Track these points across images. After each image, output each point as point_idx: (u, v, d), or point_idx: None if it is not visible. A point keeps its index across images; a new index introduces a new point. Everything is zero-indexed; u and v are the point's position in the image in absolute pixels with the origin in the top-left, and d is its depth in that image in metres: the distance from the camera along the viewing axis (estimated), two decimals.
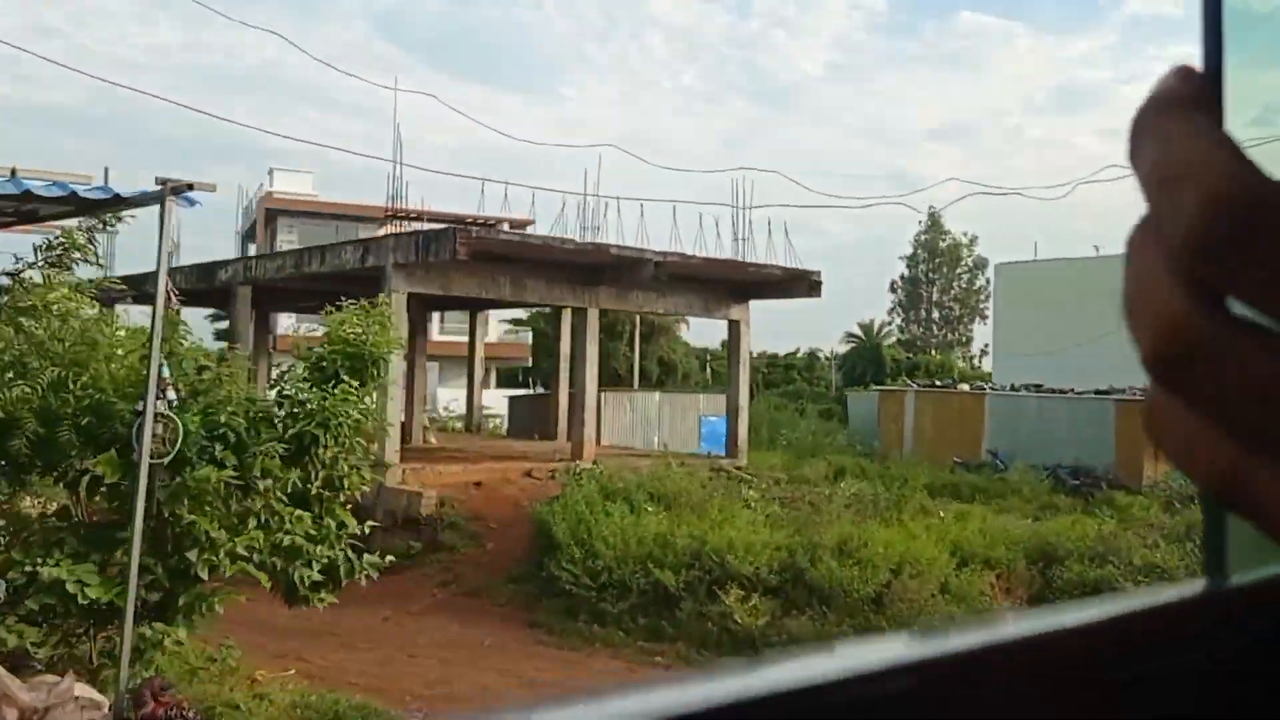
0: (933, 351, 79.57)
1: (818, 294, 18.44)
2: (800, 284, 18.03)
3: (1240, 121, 0.46)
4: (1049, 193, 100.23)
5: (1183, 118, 0.30)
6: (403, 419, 21.29)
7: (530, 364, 59.84)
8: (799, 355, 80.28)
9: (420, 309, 22.62)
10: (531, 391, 39.00)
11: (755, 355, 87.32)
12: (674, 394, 24.98)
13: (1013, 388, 32.15)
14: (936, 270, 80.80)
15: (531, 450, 18.44)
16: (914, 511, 14.72)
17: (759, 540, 11.03)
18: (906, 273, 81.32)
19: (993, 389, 30.87)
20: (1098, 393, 28.62)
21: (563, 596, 11.10)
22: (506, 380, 59.09)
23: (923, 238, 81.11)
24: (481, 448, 19.27)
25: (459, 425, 27.93)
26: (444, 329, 55.99)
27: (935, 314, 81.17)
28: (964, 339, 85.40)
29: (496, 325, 58.78)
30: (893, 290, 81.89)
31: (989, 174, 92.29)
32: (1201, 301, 0.28)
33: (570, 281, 16.69)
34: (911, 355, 73.31)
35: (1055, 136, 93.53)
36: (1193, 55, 0.40)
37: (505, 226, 54.86)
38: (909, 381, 41.72)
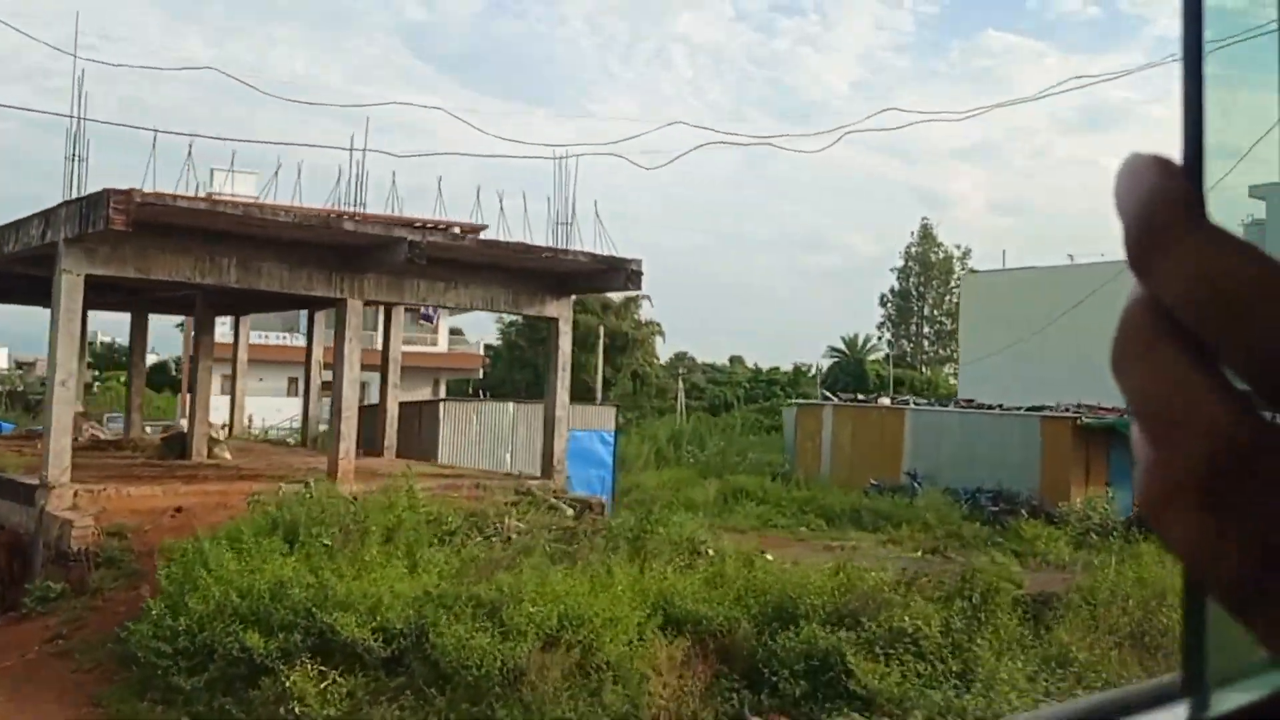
0: (921, 367, 76.53)
1: (637, 285, 15.79)
2: (617, 274, 15.34)
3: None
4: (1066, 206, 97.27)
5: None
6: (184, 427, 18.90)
7: (481, 375, 57.37)
8: (780, 371, 77.64)
9: (206, 308, 20.04)
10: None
11: (737, 368, 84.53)
12: (535, 405, 22.29)
13: (957, 403, 29.28)
14: (927, 284, 77.89)
15: (306, 466, 15.80)
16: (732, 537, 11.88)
17: (402, 591, 8.35)
18: (897, 285, 78.52)
19: (916, 404, 27.90)
20: (1029, 409, 25.72)
21: (139, 665, 8.44)
22: (456, 392, 56.58)
23: (914, 249, 78.26)
24: (250, 464, 16.67)
25: (293, 439, 25.31)
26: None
27: (926, 328, 78.25)
28: (955, 354, 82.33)
29: (446, 332, 56.46)
30: (883, 304, 79.02)
31: (1016, 192, 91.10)
32: (1252, 418, 0.30)
33: (323, 266, 14.11)
34: (898, 370, 70.45)
35: (1082, 155, 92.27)
36: (1219, 76, 0.43)
37: (456, 230, 52.50)
38: (894, 396, 38.89)
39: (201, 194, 50.41)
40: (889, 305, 79.25)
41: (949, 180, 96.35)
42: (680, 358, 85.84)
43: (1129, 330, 0.33)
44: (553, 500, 14.38)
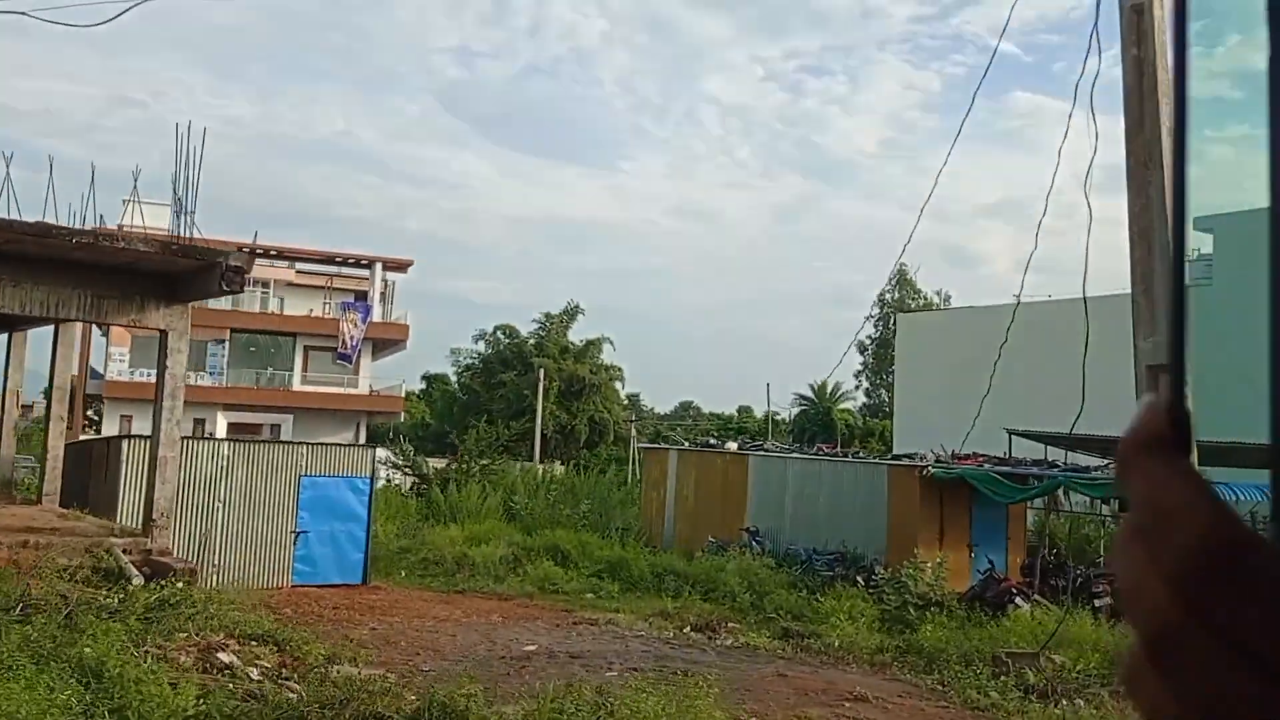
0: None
1: (238, 287, 12.85)
2: (210, 275, 12.40)
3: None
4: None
5: (1160, 459, 0.41)
6: None
7: (401, 417, 54.34)
8: (752, 418, 74.37)
9: None
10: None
11: (695, 415, 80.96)
12: (263, 443, 19.28)
13: (820, 449, 25.91)
14: None
15: None
16: None
17: None
18: (875, 333, 75.22)
19: (767, 450, 24.49)
20: (883, 457, 22.40)
21: None
22: (379, 437, 53.67)
23: (889, 295, 75.08)
24: None
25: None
26: (306, 378, 50.94)
27: None
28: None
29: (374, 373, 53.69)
30: (861, 351, 75.64)
31: (1043, 250, 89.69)
32: (1185, 605, 0.38)
33: None
34: (873, 420, 67.12)
35: (1111, 215, 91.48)
36: (1252, 137, 0.46)
37: (379, 267, 49.65)
38: (854, 449, 35.56)
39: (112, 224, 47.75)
40: (867, 353, 75.93)
41: (977, 239, 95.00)
42: (632, 403, 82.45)
43: (1119, 530, 0.42)
44: (123, 564, 11.32)
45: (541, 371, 56.90)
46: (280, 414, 47.93)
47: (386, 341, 52.06)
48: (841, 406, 73.93)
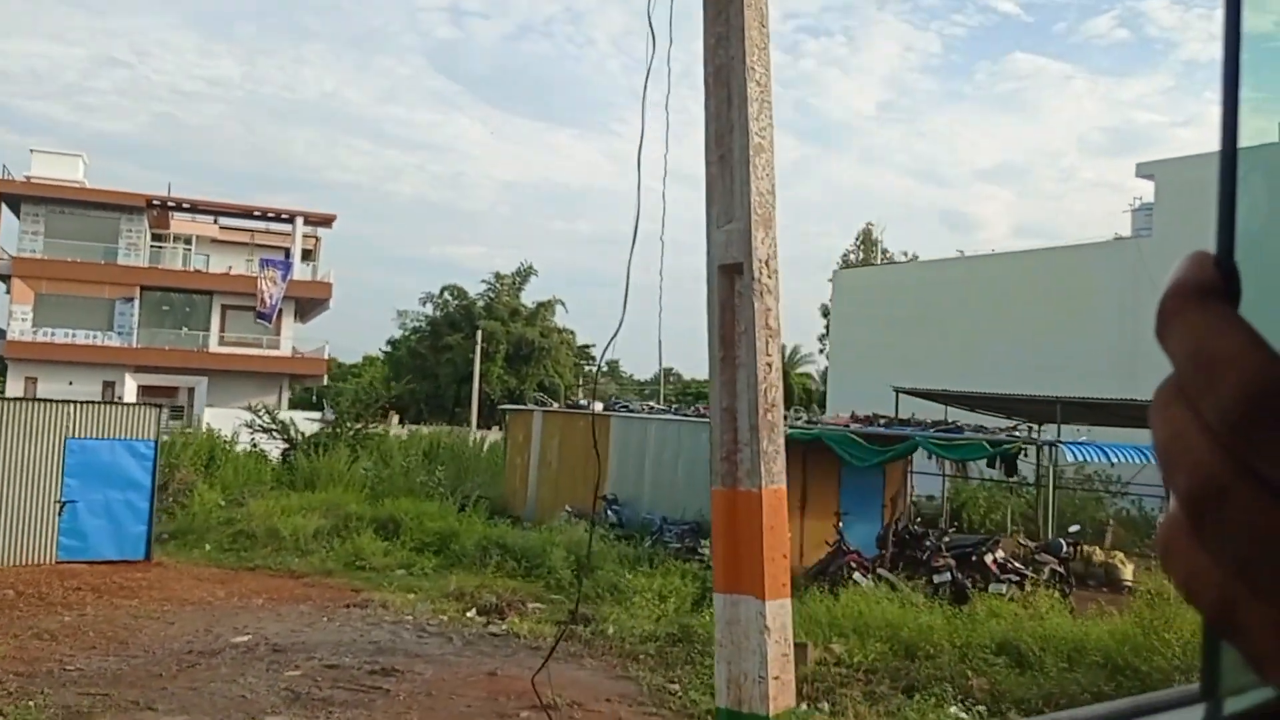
0: None
1: None
2: None
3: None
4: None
5: (1208, 307, 0.38)
6: None
7: (325, 380, 52.14)
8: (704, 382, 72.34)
9: None
10: None
11: (676, 380, 78.97)
12: (19, 401, 17.24)
13: (678, 410, 23.89)
14: None
15: None
16: None
17: None
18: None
19: (629, 410, 22.45)
20: (811, 420, 20.42)
21: None
22: (303, 402, 51.62)
23: (852, 256, 72.97)
24: None
25: None
26: (223, 339, 48.78)
27: None
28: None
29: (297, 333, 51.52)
30: (825, 315, 73.65)
31: (1041, 214, 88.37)
32: (1231, 458, 0.35)
33: None
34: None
35: (1109, 179, 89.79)
36: (1254, 100, 0.45)
37: (300, 221, 47.31)
38: (807, 414, 33.55)
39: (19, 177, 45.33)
40: (830, 316, 73.92)
41: (975, 203, 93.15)
42: (612, 369, 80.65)
43: (1156, 394, 0.39)
44: None
45: (479, 334, 54.76)
46: (195, 376, 45.85)
47: (312, 302, 49.89)
48: (801, 370, 71.93)
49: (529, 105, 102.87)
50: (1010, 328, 32.64)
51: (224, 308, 47.94)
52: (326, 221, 49.93)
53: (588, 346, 78.53)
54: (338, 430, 27.10)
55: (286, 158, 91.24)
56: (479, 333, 54.88)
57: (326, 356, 49.43)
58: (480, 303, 67.03)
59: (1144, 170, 31.60)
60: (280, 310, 47.71)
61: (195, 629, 11.55)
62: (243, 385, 46.05)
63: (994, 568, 13.31)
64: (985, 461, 19.05)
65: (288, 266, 47.13)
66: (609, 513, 19.44)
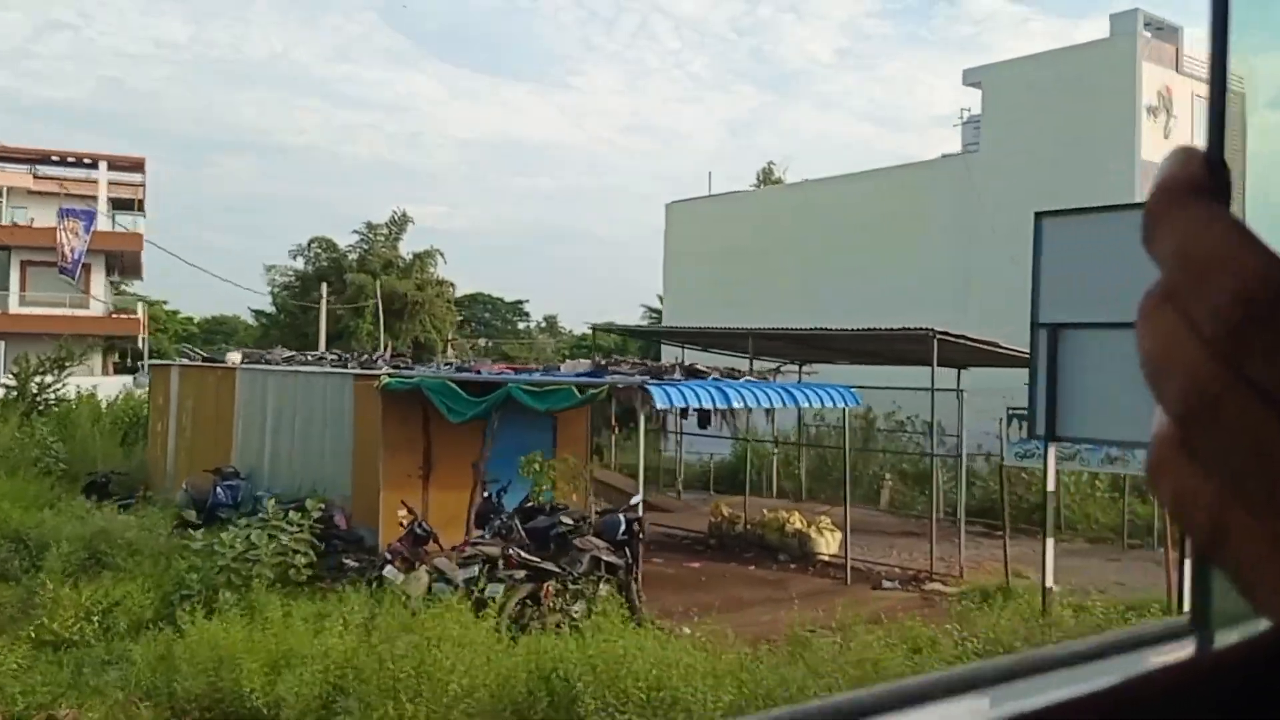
0: None
1: None
2: None
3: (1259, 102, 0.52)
4: None
5: (1197, 206, 0.35)
6: None
7: (145, 339, 47.79)
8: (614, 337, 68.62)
9: None
10: None
11: (541, 334, 74.84)
12: None
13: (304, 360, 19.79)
14: None
15: None
16: None
17: None
18: None
19: (257, 363, 18.38)
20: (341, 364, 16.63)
21: None
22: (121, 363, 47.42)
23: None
24: None
25: None
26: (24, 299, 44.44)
27: None
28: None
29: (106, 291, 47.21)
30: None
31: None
32: (1223, 365, 0.33)
33: None
34: None
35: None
36: (1204, 38, 0.46)
37: (104, 166, 42.58)
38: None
39: None
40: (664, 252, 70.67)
41: (933, 148, 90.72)
42: (549, 324, 76.49)
43: (1143, 300, 0.35)
44: None
45: (324, 286, 50.58)
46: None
47: (124, 255, 45.46)
48: None
49: (483, 60, 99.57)
50: (844, 258, 29.04)
51: (24, 264, 43.45)
52: (136, 166, 45.30)
53: (477, 295, 74.30)
54: (21, 390, 23.09)
55: (235, 121, 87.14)
56: (324, 285, 50.65)
57: (143, 316, 45.04)
58: (353, 255, 62.67)
59: (971, 78, 27.75)
60: (89, 265, 43.33)
61: None
62: (48, 348, 41.76)
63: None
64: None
65: (91, 216, 42.61)
66: (218, 490, 15.64)
